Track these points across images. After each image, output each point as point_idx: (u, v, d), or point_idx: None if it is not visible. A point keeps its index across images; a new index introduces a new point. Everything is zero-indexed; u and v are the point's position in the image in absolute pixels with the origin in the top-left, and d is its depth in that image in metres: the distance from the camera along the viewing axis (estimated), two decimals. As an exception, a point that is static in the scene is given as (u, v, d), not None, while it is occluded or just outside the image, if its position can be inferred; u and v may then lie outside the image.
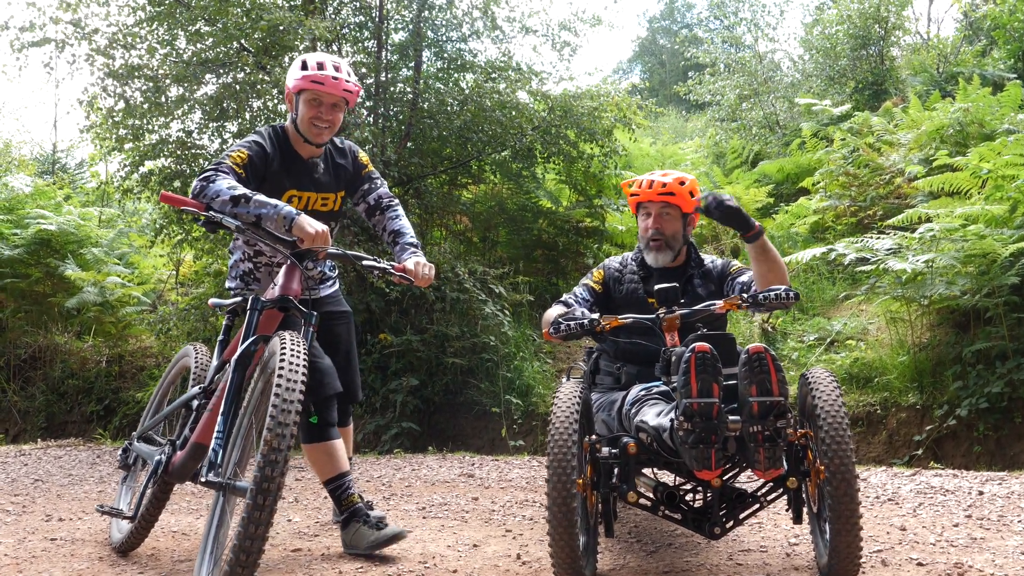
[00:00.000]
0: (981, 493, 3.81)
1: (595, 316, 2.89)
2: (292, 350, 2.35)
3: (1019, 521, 3.29)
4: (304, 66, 3.08)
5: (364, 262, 2.98)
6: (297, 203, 3.18)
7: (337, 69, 3.09)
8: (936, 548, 2.96)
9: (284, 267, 2.81)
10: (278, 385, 2.26)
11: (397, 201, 3.39)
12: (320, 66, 3.06)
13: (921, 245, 5.56)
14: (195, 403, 2.92)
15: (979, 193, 6.11)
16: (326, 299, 3.43)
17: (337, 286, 3.55)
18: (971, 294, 5.34)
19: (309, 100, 3.08)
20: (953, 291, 5.37)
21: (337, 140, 3.37)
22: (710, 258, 3.37)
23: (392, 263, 3.08)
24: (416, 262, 3.09)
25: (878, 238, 5.87)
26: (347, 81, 3.08)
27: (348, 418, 3.57)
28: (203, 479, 2.44)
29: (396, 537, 3.11)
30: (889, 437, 5.43)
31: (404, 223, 3.32)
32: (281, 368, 2.29)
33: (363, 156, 3.39)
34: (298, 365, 2.32)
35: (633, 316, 2.93)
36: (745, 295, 2.88)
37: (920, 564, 2.77)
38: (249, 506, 2.19)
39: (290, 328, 2.68)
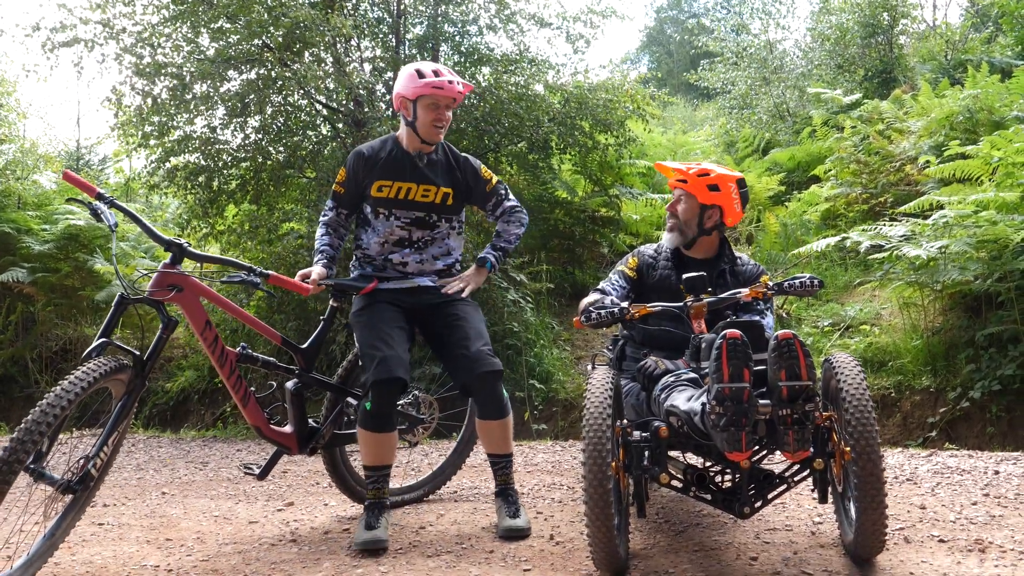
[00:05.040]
0: (997, 472, 3.89)
1: (624, 305, 3.01)
2: None
3: (1034, 499, 3.39)
4: (420, 75, 3.37)
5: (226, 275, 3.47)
6: (387, 191, 3.45)
7: (447, 74, 3.39)
8: (956, 525, 3.06)
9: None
10: None
11: (520, 211, 3.69)
12: (436, 73, 3.37)
13: (934, 231, 5.65)
14: None
15: (990, 180, 6.20)
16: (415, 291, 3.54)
17: (423, 281, 3.54)
18: (983, 279, 5.45)
19: (428, 105, 3.38)
20: (966, 276, 5.46)
21: (454, 148, 3.63)
22: (744, 258, 3.46)
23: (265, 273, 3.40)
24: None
25: (891, 225, 5.96)
26: (459, 83, 3.39)
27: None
28: None
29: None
30: (903, 419, 5.54)
31: (506, 227, 3.65)
32: None
33: (484, 171, 3.62)
34: None
35: (661, 304, 3.04)
36: (771, 283, 3.01)
37: (942, 541, 2.87)
38: None
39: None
